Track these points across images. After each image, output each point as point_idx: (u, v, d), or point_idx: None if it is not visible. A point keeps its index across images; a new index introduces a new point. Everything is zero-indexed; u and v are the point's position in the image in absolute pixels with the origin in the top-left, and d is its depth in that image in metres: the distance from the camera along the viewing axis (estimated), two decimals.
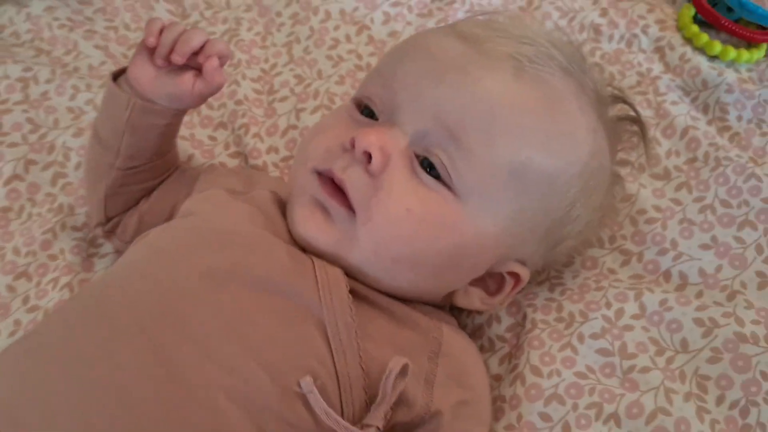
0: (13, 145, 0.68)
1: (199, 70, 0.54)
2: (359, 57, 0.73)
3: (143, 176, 0.60)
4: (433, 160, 0.49)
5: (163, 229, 0.54)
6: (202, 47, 0.53)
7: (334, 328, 0.46)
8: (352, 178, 0.49)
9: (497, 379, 0.57)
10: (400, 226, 0.48)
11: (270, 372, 0.44)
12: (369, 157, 0.48)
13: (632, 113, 0.60)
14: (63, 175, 0.68)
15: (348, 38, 0.74)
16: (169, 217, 0.59)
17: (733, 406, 0.53)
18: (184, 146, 0.68)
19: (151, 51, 0.54)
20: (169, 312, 0.46)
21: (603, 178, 0.55)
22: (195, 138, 0.70)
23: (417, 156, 0.50)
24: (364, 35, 0.75)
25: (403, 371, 0.46)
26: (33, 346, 0.48)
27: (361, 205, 0.49)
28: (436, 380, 0.49)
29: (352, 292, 0.49)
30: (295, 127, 0.70)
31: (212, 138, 0.70)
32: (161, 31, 0.53)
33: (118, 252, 0.64)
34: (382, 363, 0.47)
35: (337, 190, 0.50)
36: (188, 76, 0.55)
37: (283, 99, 0.72)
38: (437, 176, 0.49)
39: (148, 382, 0.43)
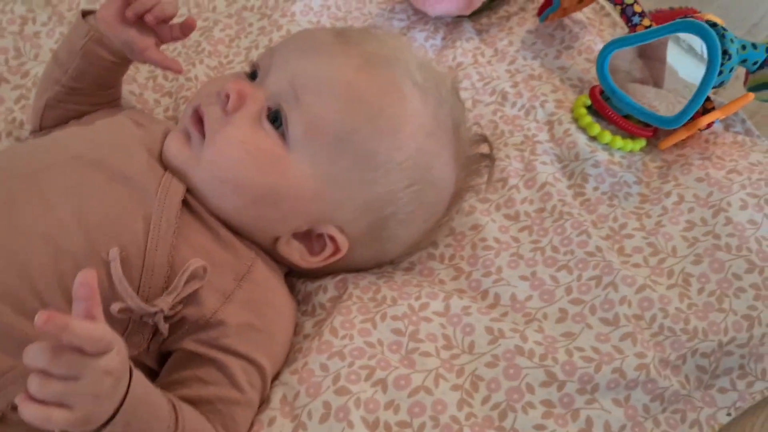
0: None
1: (160, 38, 0.66)
2: None
3: (80, 99, 0.70)
4: (279, 112, 0.59)
5: (67, 130, 0.65)
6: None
7: (157, 221, 0.56)
8: (210, 111, 0.60)
9: (305, 337, 0.64)
10: (231, 153, 0.58)
11: (87, 234, 0.53)
12: (228, 99, 0.59)
13: (487, 153, 0.69)
14: (26, 97, 0.80)
15: None
16: None
17: (494, 407, 0.59)
18: (131, 100, 0.80)
19: (127, 3, 0.65)
20: (31, 178, 0.56)
21: (434, 182, 0.63)
22: (143, 97, 0.82)
23: (269, 110, 0.60)
24: None
25: (199, 273, 0.54)
26: None
27: (210, 132, 0.59)
28: (233, 297, 0.57)
29: (188, 206, 0.58)
30: None
31: (157, 101, 0.82)
32: None
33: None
34: (185, 263, 0.55)
35: (200, 120, 0.61)
36: (150, 40, 0.66)
37: None
38: (278, 128, 0.59)
39: None
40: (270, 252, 0.63)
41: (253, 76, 0.64)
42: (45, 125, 0.72)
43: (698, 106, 0.71)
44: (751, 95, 0.78)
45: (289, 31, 0.88)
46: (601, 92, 0.80)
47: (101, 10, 0.67)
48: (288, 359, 0.61)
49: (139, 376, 0.48)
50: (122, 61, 0.69)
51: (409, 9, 0.93)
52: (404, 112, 0.61)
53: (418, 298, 0.64)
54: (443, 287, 0.67)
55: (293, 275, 0.67)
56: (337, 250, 0.62)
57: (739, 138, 0.79)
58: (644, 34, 0.74)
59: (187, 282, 0.54)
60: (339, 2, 0.93)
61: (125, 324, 0.54)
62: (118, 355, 0.44)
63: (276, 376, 0.60)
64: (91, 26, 0.66)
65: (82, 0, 0.89)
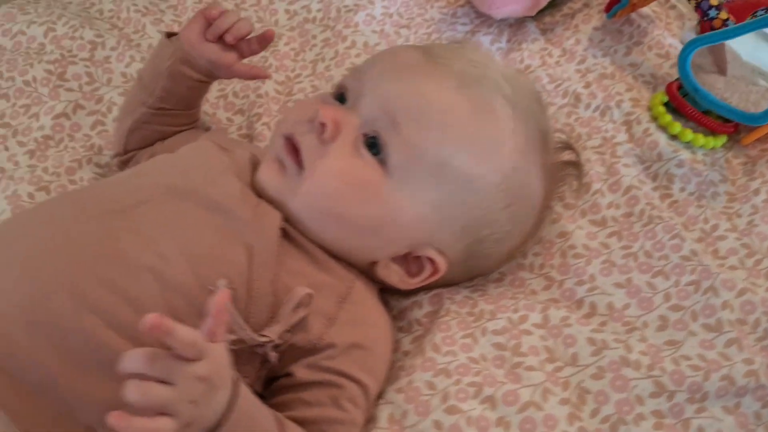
0: (69, 90, 0.82)
1: (240, 53, 0.68)
2: None
3: (165, 120, 0.72)
4: (377, 138, 0.59)
5: (152, 159, 0.65)
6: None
7: (259, 251, 0.56)
8: (306, 141, 0.59)
9: (405, 354, 0.64)
10: (332, 185, 0.58)
11: (193, 267, 0.54)
12: (324, 127, 0.59)
13: (574, 159, 0.68)
14: (102, 123, 0.81)
15: None
16: None
17: (604, 420, 0.58)
18: (205, 120, 0.81)
19: (207, 24, 0.67)
20: (129, 210, 0.56)
21: (524, 197, 0.63)
22: (216, 116, 0.83)
23: (365, 136, 0.59)
24: None
25: (305, 300, 0.55)
26: (18, 218, 0.60)
27: (308, 163, 0.59)
28: (337, 320, 0.57)
29: (285, 233, 0.58)
30: None
31: (230, 120, 0.83)
32: (221, 14, 0.67)
33: None
34: (289, 289, 0.55)
35: (295, 150, 0.60)
36: (233, 55, 0.68)
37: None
38: (376, 155, 0.59)
39: (89, 244, 0.53)
40: (366, 272, 0.63)
41: (340, 98, 0.64)
42: (129, 148, 0.73)
43: None
44: None
45: (354, 42, 0.88)
46: (678, 88, 0.79)
47: (184, 31, 0.69)
48: (390, 377, 0.61)
49: (246, 391, 0.49)
50: (207, 79, 0.71)
51: (471, 12, 0.92)
52: (500, 133, 0.60)
53: (516, 311, 0.64)
54: (536, 298, 0.66)
55: (386, 292, 0.67)
56: (435, 271, 0.62)
57: None
58: (731, 31, 0.72)
59: (293, 310, 0.54)
60: (401, 10, 0.92)
61: (235, 355, 0.54)
62: (211, 363, 0.45)
63: (379, 394, 0.60)
64: (176, 47, 0.68)
65: (147, 22, 0.90)
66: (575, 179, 0.69)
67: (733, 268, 0.66)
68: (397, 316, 0.67)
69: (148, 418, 0.43)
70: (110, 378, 0.50)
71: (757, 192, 0.72)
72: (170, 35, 0.70)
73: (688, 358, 0.60)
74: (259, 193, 0.61)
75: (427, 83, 0.59)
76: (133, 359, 0.44)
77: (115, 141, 0.74)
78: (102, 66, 0.84)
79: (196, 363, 0.44)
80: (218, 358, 0.46)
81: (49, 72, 0.81)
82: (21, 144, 0.78)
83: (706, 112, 0.78)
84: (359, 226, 0.59)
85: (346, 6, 0.92)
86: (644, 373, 0.59)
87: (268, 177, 0.60)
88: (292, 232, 0.59)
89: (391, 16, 0.91)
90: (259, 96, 0.83)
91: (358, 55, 0.87)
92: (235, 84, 0.85)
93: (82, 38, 0.85)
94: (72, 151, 0.78)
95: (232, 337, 0.52)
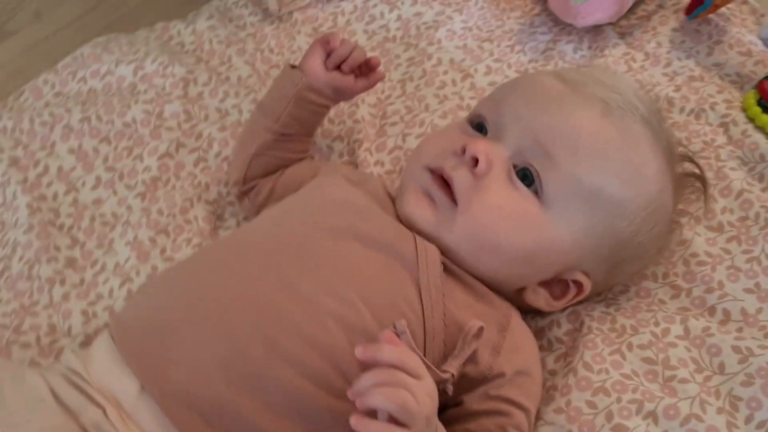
0: (169, 129, 0.82)
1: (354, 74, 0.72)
2: (461, 98, 0.86)
3: (288, 146, 0.74)
4: (530, 169, 0.60)
5: (292, 198, 0.66)
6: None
7: (426, 287, 0.57)
8: (459, 176, 0.60)
9: (552, 373, 0.65)
10: (491, 219, 0.59)
11: (371, 308, 0.55)
12: (475, 161, 0.60)
13: (697, 171, 0.70)
14: (204, 159, 0.81)
15: (454, 82, 0.87)
16: (295, 191, 0.71)
17: (760, 426, 0.60)
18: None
19: (326, 54, 0.71)
20: (297, 254, 0.57)
21: (665, 216, 0.65)
22: (315, 145, 0.83)
23: (515, 167, 0.61)
24: (467, 82, 0.87)
25: (479, 333, 0.56)
26: (185, 272, 0.60)
27: (463, 198, 0.60)
28: (502, 350, 0.59)
29: (442, 265, 0.59)
30: (400, 147, 0.82)
31: (330, 147, 0.83)
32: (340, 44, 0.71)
33: (239, 224, 0.78)
34: (459, 323, 0.57)
35: (445, 184, 0.61)
36: (351, 78, 0.73)
37: (393, 124, 0.84)
38: (529, 186, 0.60)
39: (271, 293, 0.54)
40: (512, 297, 0.64)
41: (479, 128, 0.65)
42: (250, 175, 0.74)
43: None
44: None
45: (440, 59, 0.89)
46: None
47: (306, 61, 0.73)
48: (543, 397, 0.63)
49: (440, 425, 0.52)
50: (331, 103, 0.74)
51: (548, 21, 0.93)
52: (645, 156, 0.62)
53: (657, 324, 0.65)
54: (665, 307, 0.68)
55: (524, 312, 0.69)
56: (580, 292, 0.64)
57: None
58: None
59: (468, 343, 0.56)
60: (479, 23, 0.93)
61: None
62: (432, 384, 0.49)
63: (537, 415, 0.62)
64: (301, 75, 0.71)
65: (231, 53, 0.90)
66: (700, 191, 0.71)
67: None
68: (535, 335, 0.68)
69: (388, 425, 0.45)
70: (307, 424, 0.52)
71: None
72: (292, 66, 0.73)
73: None
74: (409, 226, 0.62)
75: (574, 113, 0.61)
76: (388, 352, 0.47)
77: (236, 170, 0.75)
78: (197, 102, 0.84)
79: (421, 379, 0.48)
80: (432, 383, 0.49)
81: (148, 112, 0.81)
82: (129, 188, 0.78)
83: None
84: (516, 257, 0.60)
85: (425, 23, 0.93)
86: None
87: (420, 212, 0.61)
88: (450, 264, 0.60)
89: (471, 29, 0.92)
90: (356, 121, 0.84)
91: (446, 72, 0.88)
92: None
93: (173, 75, 0.85)
94: (181, 190, 0.79)
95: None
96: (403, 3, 0.95)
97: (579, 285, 0.64)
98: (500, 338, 0.59)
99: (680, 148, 0.71)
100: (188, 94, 0.84)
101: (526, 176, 0.60)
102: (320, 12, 0.95)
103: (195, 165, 0.81)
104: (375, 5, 0.95)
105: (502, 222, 0.59)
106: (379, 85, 0.88)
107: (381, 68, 0.75)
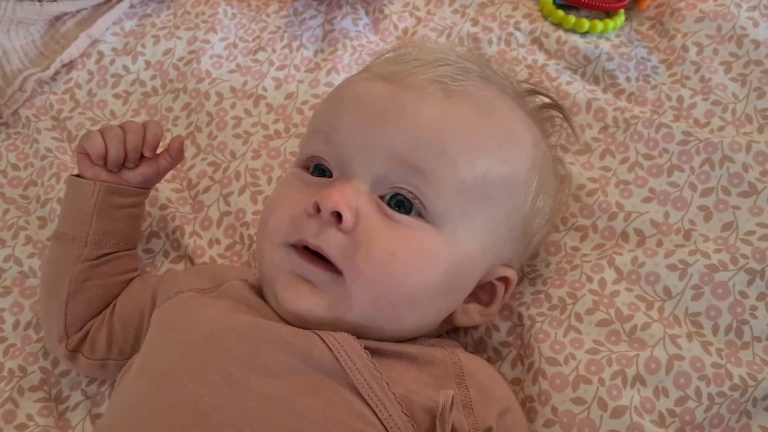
0: None
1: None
2: (265, 127, 0.73)
3: (110, 268, 0.59)
4: (404, 194, 0.50)
5: (150, 355, 0.51)
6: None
7: (366, 386, 0.46)
8: (329, 241, 0.49)
9: (516, 383, 0.58)
10: (389, 271, 0.49)
11: None
12: (338, 216, 0.48)
13: (547, 100, 0.64)
14: (2, 339, 0.62)
15: (247, 112, 0.74)
16: (138, 327, 0.57)
17: (727, 330, 0.57)
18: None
19: (102, 159, 0.59)
20: (203, 426, 0.43)
21: (549, 164, 0.58)
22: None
23: (382, 198, 0.50)
24: (261, 105, 0.74)
25: (452, 404, 0.46)
26: None
27: (346, 264, 0.48)
28: (473, 402, 0.50)
29: (365, 350, 0.48)
30: (228, 213, 0.68)
31: (148, 251, 0.67)
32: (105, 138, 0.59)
33: (88, 395, 0.60)
34: (420, 405, 0.47)
35: (315, 256, 0.49)
36: (152, 160, 0.61)
37: (206, 190, 0.70)
38: (408, 212, 0.50)
39: None
40: (440, 333, 0.55)
41: (320, 171, 0.53)
42: (73, 322, 0.58)
43: None
44: None
45: (220, 93, 0.74)
46: None
47: (87, 173, 0.60)
48: (526, 416, 0.56)
49: None
50: (140, 198, 0.62)
51: (310, 2, 0.81)
52: (505, 117, 0.54)
53: (590, 280, 0.60)
54: (588, 255, 0.63)
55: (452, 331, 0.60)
56: (508, 286, 0.56)
57: None
58: None
59: (446, 419, 0.46)
60: (240, 33, 0.79)
61: None
62: None
63: None
64: (93, 182, 0.59)
65: None
66: (557, 119, 0.64)
67: (721, 128, 0.67)
68: (476, 349, 0.61)
69: None
70: None
71: (685, 48, 0.72)
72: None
73: (751, 233, 0.61)
74: (300, 324, 0.50)
75: (420, 111, 0.50)
76: None
77: (52, 325, 0.59)
78: None
79: None
80: None
81: None
82: None
83: None
84: (433, 295, 0.51)
85: (181, 59, 0.77)
86: (732, 268, 0.59)
87: (305, 302, 0.49)
88: (368, 344, 0.49)
89: (235, 45, 0.78)
90: (162, 207, 0.68)
91: (233, 106, 0.74)
92: None
93: None
94: None
95: None
96: (144, 45, 0.78)
97: (504, 279, 0.56)
98: (464, 391, 0.50)
99: (524, 85, 0.64)
100: None
101: (401, 203, 0.50)
102: (51, 95, 0.76)
103: None
104: (112, 61, 0.78)
105: (403, 268, 0.49)
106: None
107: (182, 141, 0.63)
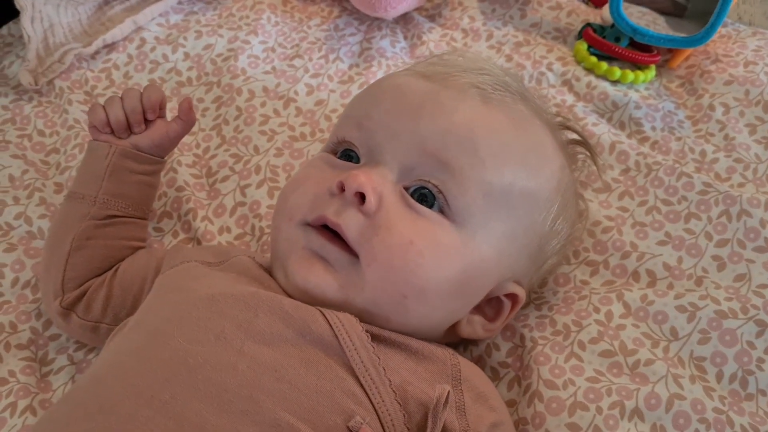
0: None
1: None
2: (291, 128, 0.74)
3: (116, 231, 0.59)
4: (429, 187, 0.50)
5: (146, 313, 0.50)
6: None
7: (362, 367, 0.45)
8: (348, 221, 0.48)
9: (511, 404, 0.56)
10: (405, 260, 0.48)
11: (311, 422, 0.42)
12: (361, 197, 0.48)
13: (576, 137, 0.64)
14: None
15: (276, 112, 0.75)
16: (138, 294, 0.56)
17: (732, 379, 0.56)
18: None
19: (107, 126, 0.60)
20: (190, 384, 0.42)
21: (572, 189, 0.58)
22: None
23: (407, 189, 0.50)
24: (291, 108, 0.75)
25: (447, 399, 0.45)
26: None
27: (363, 246, 0.48)
28: (466, 406, 0.48)
29: (367, 333, 0.47)
30: (243, 204, 0.68)
31: (158, 229, 0.67)
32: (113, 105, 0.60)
33: (74, 361, 0.59)
34: (414, 397, 0.46)
35: (334, 235, 0.49)
36: (160, 124, 0.61)
37: (225, 179, 0.70)
38: (430, 206, 0.50)
39: None
40: (444, 337, 0.54)
41: (347, 156, 0.53)
42: (72, 278, 0.57)
43: (723, 20, 0.72)
44: None
45: (252, 91, 0.76)
46: (594, 31, 0.79)
47: (101, 139, 0.61)
48: None
49: None
50: (155, 166, 0.62)
51: (353, 20, 0.84)
52: (538, 136, 0.55)
53: (597, 311, 0.59)
54: (592, 288, 0.62)
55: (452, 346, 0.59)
56: (515, 305, 0.55)
57: (723, 32, 0.82)
58: None
59: (439, 414, 0.45)
60: (280, 40, 0.82)
61: None
62: None
63: None
64: (109, 145, 0.60)
65: None
66: (584, 157, 0.65)
67: (741, 185, 0.68)
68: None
69: None
70: None
71: (712, 108, 0.73)
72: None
73: (763, 286, 0.60)
74: (307, 301, 0.49)
75: (457, 109, 0.51)
76: None
77: (49, 280, 0.58)
78: None
79: None
80: None
81: None
82: None
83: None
84: (445, 293, 0.50)
85: (220, 55, 0.79)
86: (742, 317, 0.58)
87: (317, 279, 0.48)
88: (372, 329, 0.48)
89: (274, 50, 0.80)
90: (179, 189, 0.68)
91: (263, 104, 0.75)
92: None
93: None
94: None
95: None
96: (186, 38, 0.80)
97: (512, 297, 0.55)
98: (458, 394, 0.49)
99: (558, 118, 0.64)
100: None
101: (425, 196, 0.50)
102: (87, 72, 0.78)
103: None
104: (153, 48, 0.80)
105: (418, 259, 0.48)
106: (190, 140, 0.74)
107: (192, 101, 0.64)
